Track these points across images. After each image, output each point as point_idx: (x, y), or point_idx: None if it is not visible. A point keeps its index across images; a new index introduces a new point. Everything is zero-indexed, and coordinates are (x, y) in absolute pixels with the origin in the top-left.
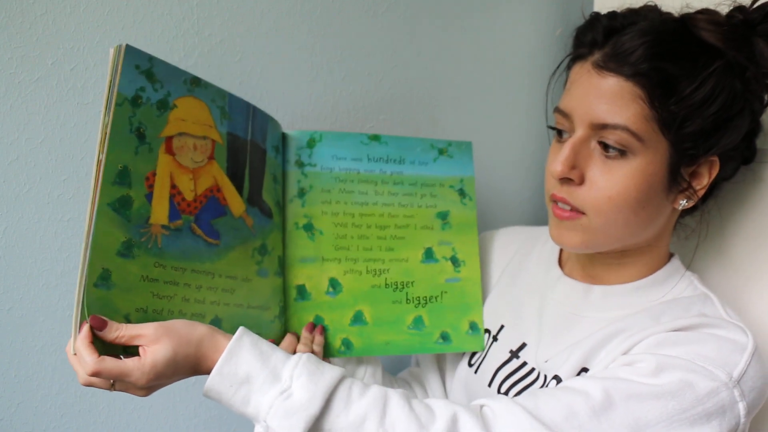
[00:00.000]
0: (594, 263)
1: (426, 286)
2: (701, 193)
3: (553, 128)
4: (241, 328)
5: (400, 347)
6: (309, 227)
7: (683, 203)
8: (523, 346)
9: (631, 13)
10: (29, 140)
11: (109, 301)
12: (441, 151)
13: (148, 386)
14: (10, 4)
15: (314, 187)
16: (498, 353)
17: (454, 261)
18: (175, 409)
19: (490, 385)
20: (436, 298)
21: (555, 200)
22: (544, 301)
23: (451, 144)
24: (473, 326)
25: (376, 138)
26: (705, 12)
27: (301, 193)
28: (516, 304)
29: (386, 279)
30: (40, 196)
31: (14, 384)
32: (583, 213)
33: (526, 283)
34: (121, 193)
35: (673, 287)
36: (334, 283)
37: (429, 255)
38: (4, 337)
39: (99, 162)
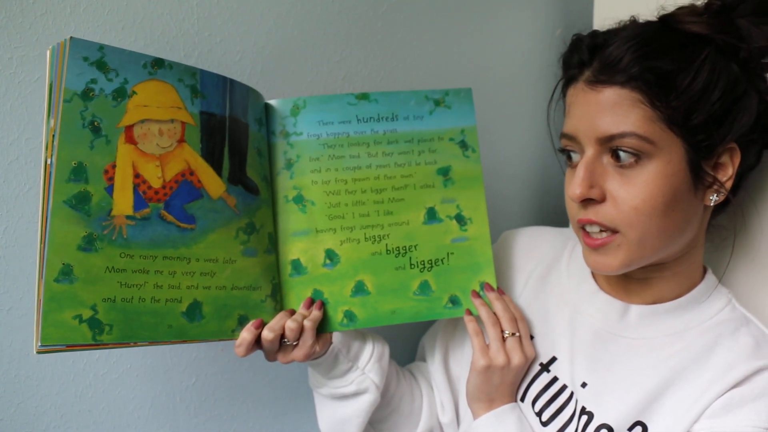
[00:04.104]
0: (630, 279)
1: (430, 249)
2: (729, 184)
3: (562, 151)
4: None
5: (407, 315)
6: (299, 199)
7: (714, 198)
8: (554, 359)
9: (611, 30)
10: (29, 140)
11: (72, 294)
12: (437, 102)
13: None
14: (10, 4)
15: (301, 156)
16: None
17: (460, 219)
18: (175, 409)
19: (522, 399)
20: (442, 260)
21: (582, 225)
22: (576, 314)
23: (449, 93)
24: (485, 287)
25: (364, 96)
26: (682, 7)
27: (289, 164)
28: (544, 315)
29: (387, 245)
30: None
31: (14, 384)
32: (616, 231)
33: (556, 294)
34: (77, 190)
35: (710, 308)
36: (330, 255)
37: (432, 215)
38: (4, 337)
39: (47, 165)
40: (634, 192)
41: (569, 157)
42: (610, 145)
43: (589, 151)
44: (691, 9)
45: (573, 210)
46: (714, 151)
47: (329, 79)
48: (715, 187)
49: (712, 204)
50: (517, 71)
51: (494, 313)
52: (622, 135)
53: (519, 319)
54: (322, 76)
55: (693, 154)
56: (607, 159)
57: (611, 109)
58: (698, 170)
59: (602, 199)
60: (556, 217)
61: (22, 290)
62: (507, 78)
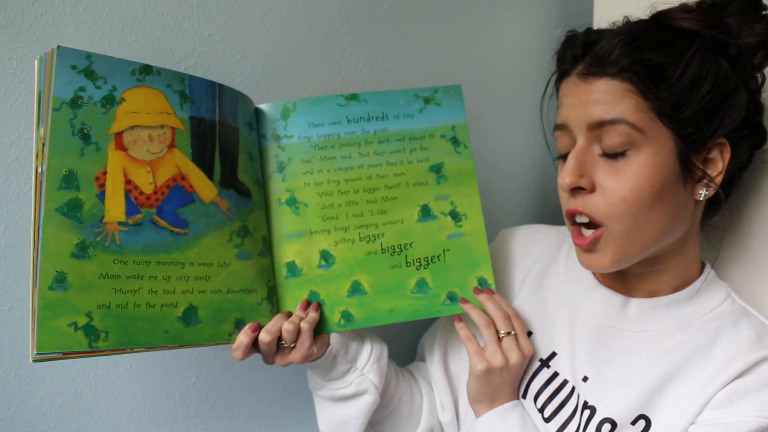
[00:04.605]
0: (627, 275)
1: (426, 246)
2: (719, 179)
3: (558, 158)
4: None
5: (405, 313)
6: (292, 201)
7: (703, 193)
8: (553, 355)
9: (605, 29)
10: (29, 140)
11: (66, 301)
12: (427, 100)
13: None
14: (10, 4)
15: (293, 159)
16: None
17: (455, 215)
18: (175, 409)
19: (524, 396)
20: (438, 257)
21: (572, 216)
22: (575, 309)
23: (438, 90)
24: (482, 282)
25: (354, 97)
26: (673, 5)
27: (281, 167)
28: (543, 311)
29: (382, 244)
30: None
31: (14, 384)
32: (602, 225)
33: (555, 290)
34: (69, 197)
35: (709, 301)
36: (325, 256)
37: (426, 212)
38: (4, 337)
39: (38, 174)
40: (622, 183)
41: (564, 159)
42: (601, 135)
43: (581, 139)
44: (682, 6)
45: (564, 201)
46: (704, 145)
47: (329, 79)
48: (705, 181)
49: (701, 198)
50: (518, 71)
51: (486, 314)
52: (613, 121)
53: (513, 316)
54: (322, 76)
55: (683, 147)
56: (597, 149)
57: (603, 98)
58: (688, 163)
59: (592, 189)
60: (557, 216)
61: (22, 290)
62: (507, 78)
